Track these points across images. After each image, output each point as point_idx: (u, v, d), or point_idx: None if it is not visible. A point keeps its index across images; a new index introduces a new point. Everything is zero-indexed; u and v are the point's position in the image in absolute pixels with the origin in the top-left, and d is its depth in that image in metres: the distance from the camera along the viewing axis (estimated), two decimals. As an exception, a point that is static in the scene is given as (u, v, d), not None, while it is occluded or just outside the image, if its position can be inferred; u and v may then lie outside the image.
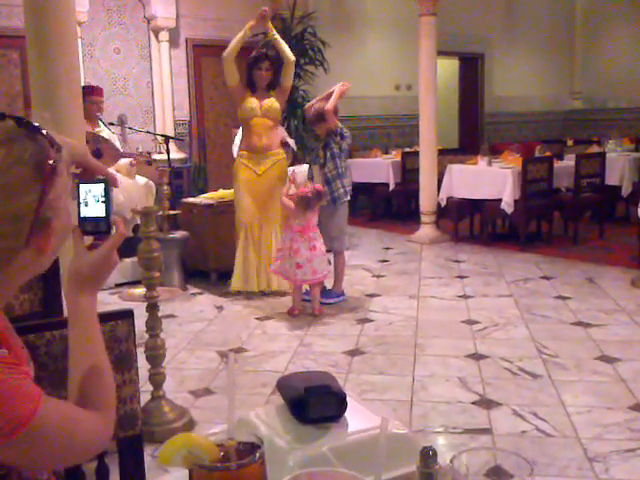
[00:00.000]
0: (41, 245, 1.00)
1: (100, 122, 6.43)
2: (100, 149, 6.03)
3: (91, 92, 6.08)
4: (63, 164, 1.02)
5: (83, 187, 1.09)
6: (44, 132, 1.01)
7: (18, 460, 0.96)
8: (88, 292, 1.12)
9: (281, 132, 7.43)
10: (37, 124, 1.01)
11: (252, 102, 5.37)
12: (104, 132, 6.32)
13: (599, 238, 7.51)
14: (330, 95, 5.28)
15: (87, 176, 1.12)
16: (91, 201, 1.09)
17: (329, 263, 5.16)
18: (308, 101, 7.29)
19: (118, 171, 6.33)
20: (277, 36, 5.43)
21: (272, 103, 5.41)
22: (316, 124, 5.28)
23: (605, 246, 7.20)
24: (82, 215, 1.09)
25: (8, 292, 1.05)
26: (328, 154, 5.18)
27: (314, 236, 4.87)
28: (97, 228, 1.10)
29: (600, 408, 3.34)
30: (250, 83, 5.40)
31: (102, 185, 1.09)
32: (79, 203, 1.09)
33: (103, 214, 1.09)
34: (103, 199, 1.09)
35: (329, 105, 5.13)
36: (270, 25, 5.42)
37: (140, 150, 6.68)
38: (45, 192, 0.97)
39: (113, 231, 1.13)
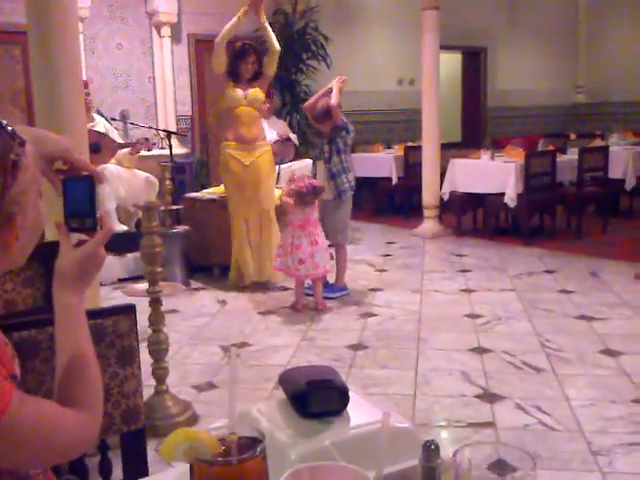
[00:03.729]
0: (6, 240, 0.98)
1: (96, 115, 6.42)
2: (98, 143, 6.03)
3: None
4: (29, 159, 0.99)
5: (68, 184, 1.08)
6: (7, 127, 0.99)
7: None
8: (75, 290, 1.10)
9: (283, 126, 7.44)
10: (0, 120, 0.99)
11: (236, 91, 5.35)
12: (100, 125, 6.31)
13: (602, 232, 7.49)
14: (329, 91, 5.26)
15: (72, 172, 1.11)
16: (76, 198, 1.07)
17: (331, 258, 5.15)
18: (310, 96, 7.28)
19: (119, 162, 6.33)
20: (267, 24, 5.43)
21: (257, 93, 5.40)
22: (323, 121, 5.24)
23: (608, 240, 7.19)
24: (67, 212, 1.07)
25: None
26: (333, 149, 5.17)
27: (315, 231, 4.87)
28: (83, 225, 1.08)
29: (604, 401, 3.34)
30: (233, 74, 5.37)
31: (87, 182, 1.08)
32: (64, 200, 1.07)
33: (89, 211, 1.07)
34: (89, 196, 1.07)
35: (334, 101, 5.11)
36: (262, 12, 5.41)
37: (138, 139, 6.67)
38: (7, 186, 0.95)
39: (99, 228, 1.11)
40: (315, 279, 4.99)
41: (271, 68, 5.49)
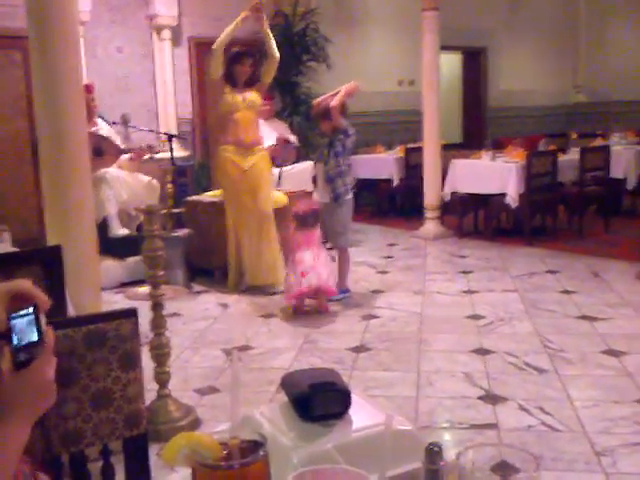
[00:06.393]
0: None
1: (99, 120, 6.43)
2: (101, 147, 6.03)
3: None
4: None
5: (13, 320, 1.05)
6: None
7: None
8: (15, 421, 0.96)
9: (283, 128, 7.44)
10: None
11: (235, 96, 5.34)
12: (103, 130, 6.33)
13: (604, 232, 7.49)
14: (337, 93, 5.26)
15: (18, 303, 1.08)
16: (22, 330, 1.03)
17: (332, 260, 5.14)
18: (311, 98, 7.28)
19: (121, 168, 6.34)
20: (268, 30, 5.41)
21: (255, 97, 5.40)
22: (321, 121, 5.26)
23: (610, 240, 7.18)
24: (15, 346, 1.02)
25: None
26: (331, 152, 5.17)
27: (319, 249, 4.87)
28: (31, 354, 1.03)
29: (606, 402, 3.33)
30: (230, 77, 5.36)
31: (32, 312, 1.05)
32: (11, 337, 1.03)
33: (35, 339, 1.03)
34: (34, 324, 1.04)
35: (334, 102, 5.11)
36: (264, 19, 5.40)
37: (141, 145, 6.67)
38: None
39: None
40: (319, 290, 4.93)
41: (269, 75, 5.48)
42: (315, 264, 4.78)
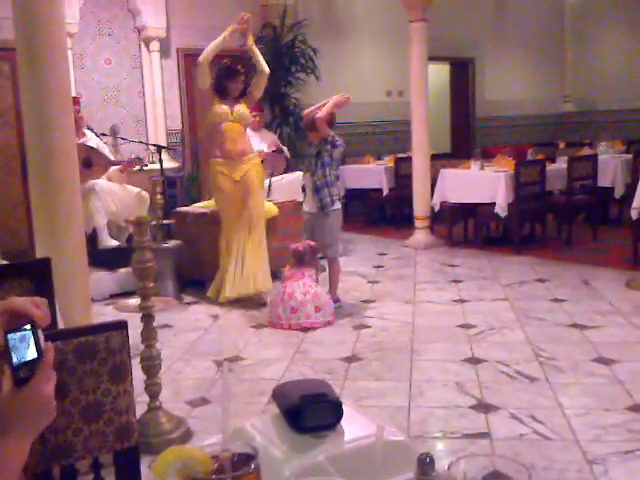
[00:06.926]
0: None
1: (88, 131, 6.42)
2: (90, 159, 6.02)
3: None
4: None
5: (10, 337, 1.04)
6: None
7: None
8: (15, 437, 0.97)
9: (274, 139, 7.45)
10: None
11: (222, 107, 5.34)
12: (92, 141, 6.32)
13: (593, 240, 7.52)
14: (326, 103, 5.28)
15: (13, 322, 1.07)
16: (20, 347, 1.03)
17: (323, 270, 5.14)
18: (300, 109, 7.30)
19: (110, 179, 6.33)
20: (254, 46, 5.41)
21: (243, 109, 5.40)
22: (309, 131, 5.28)
23: (599, 248, 7.21)
24: (15, 363, 1.02)
25: None
26: (319, 162, 5.17)
27: (309, 283, 4.89)
28: (31, 370, 1.03)
29: (598, 410, 3.33)
30: (220, 91, 5.36)
31: (29, 328, 1.05)
32: (10, 355, 1.03)
33: (34, 355, 1.03)
34: (31, 340, 1.04)
35: (320, 114, 5.12)
36: (249, 35, 5.41)
37: (130, 156, 6.66)
38: None
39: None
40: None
41: (259, 89, 5.48)
42: (305, 300, 4.82)
